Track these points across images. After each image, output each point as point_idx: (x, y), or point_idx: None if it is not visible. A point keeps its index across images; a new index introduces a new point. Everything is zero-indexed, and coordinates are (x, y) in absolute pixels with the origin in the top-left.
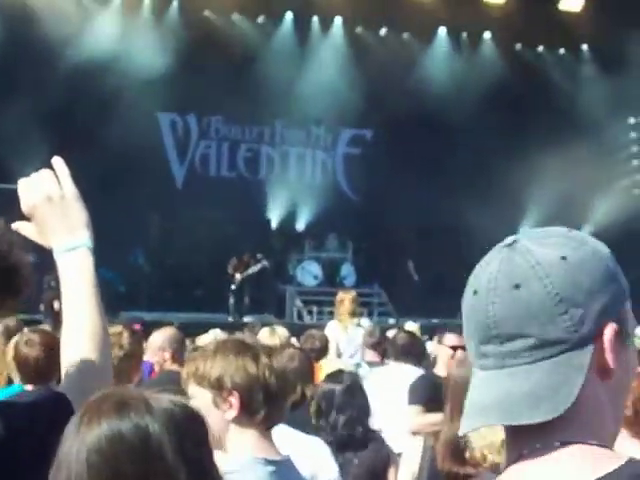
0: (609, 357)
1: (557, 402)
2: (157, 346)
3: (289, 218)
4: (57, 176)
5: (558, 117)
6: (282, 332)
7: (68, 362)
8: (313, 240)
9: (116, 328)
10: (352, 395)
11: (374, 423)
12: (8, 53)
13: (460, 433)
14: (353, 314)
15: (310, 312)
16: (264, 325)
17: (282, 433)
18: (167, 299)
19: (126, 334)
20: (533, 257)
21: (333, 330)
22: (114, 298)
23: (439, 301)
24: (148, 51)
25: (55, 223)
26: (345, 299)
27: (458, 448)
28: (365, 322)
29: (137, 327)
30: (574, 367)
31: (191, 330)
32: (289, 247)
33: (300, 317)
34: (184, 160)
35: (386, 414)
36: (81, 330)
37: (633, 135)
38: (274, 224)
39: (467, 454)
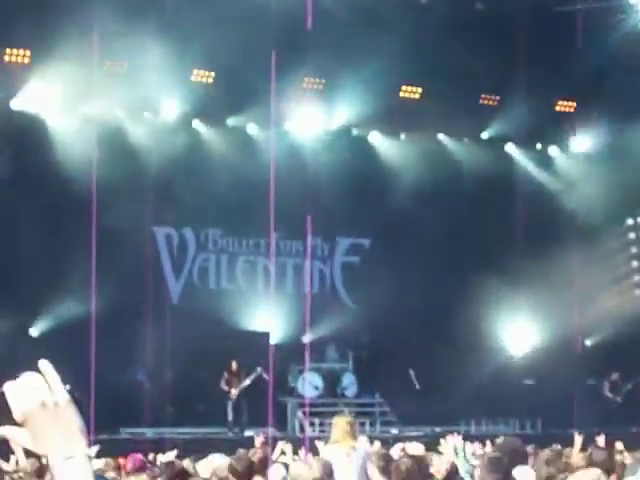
0: None
1: None
2: None
3: (288, 329)
4: (47, 381)
5: (554, 221)
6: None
7: None
8: (313, 351)
9: None
10: None
11: None
12: None
13: None
14: (351, 438)
15: (312, 424)
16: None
17: None
18: (168, 415)
19: None
20: None
21: (329, 456)
22: None
23: (441, 409)
24: None
25: (50, 430)
26: (342, 423)
27: None
28: (361, 442)
29: (139, 459)
30: None
31: (195, 447)
32: (289, 358)
33: (302, 429)
34: (180, 274)
35: None
36: None
37: (632, 236)
38: (273, 335)
39: None
